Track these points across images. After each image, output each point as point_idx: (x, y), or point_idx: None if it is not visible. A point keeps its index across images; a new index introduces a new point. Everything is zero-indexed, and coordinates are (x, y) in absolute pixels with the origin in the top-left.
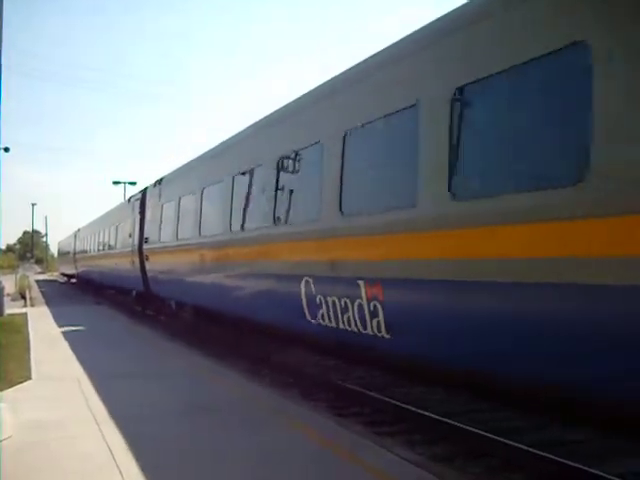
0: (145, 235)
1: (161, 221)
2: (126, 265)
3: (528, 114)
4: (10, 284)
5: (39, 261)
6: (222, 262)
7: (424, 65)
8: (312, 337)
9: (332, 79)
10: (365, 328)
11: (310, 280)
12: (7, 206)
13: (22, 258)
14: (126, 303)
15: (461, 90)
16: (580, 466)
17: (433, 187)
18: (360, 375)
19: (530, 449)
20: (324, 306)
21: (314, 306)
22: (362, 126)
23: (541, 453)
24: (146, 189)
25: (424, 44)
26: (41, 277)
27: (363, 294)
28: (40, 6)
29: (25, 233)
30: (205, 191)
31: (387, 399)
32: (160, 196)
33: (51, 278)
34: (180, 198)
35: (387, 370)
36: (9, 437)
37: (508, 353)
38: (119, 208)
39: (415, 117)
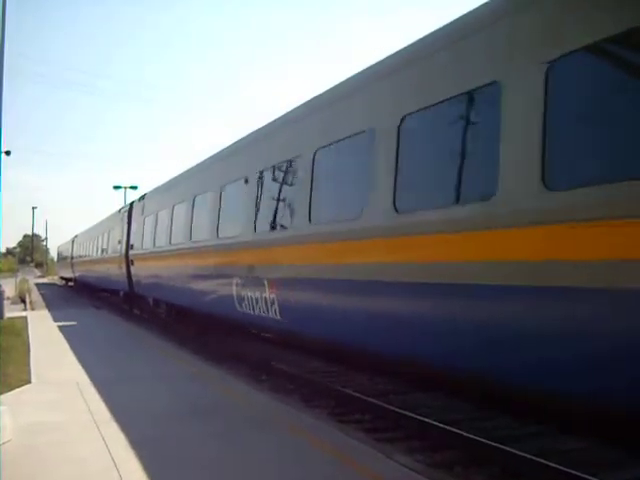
0: (130, 242)
1: (143, 231)
2: (115, 269)
3: (447, 143)
4: (10, 288)
5: (39, 265)
6: (183, 266)
7: (372, 98)
8: (239, 321)
9: (305, 103)
10: (268, 313)
11: (239, 280)
12: (7, 210)
13: (22, 262)
14: (124, 307)
15: (403, 119)
16: (580, 474)
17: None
18: (360, 382)
19: (533, 457)
20: (246, 299)
21: (240, 299)
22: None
23: (541, 461)
24: (133, 203)
25: (370, 81)
26: (41, 281)
27: (267, 289)
28: (33, 7)
29: (25, 237)
30: (175, 208)
31: (387, 406)
32: (143, 210)
33: (50, 282)
34: (157, 212)
35: (382, 374)
36: (9, 441)
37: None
38: (110, 218)
39: (364, 142)
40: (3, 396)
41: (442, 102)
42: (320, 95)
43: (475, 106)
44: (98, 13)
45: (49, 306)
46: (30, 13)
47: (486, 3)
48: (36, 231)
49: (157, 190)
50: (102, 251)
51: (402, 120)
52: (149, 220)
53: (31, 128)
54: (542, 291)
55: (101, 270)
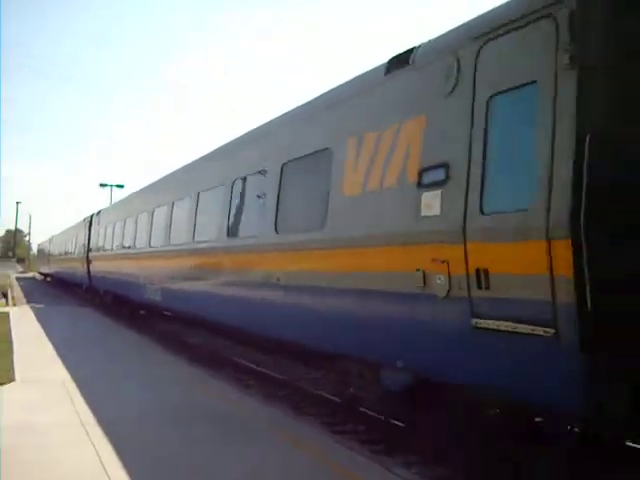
0: (90, 246)
1: (97, 238)
2: (79, 267)
3: (308, 184)
4: None
5: (21, 260)
6: (122, 265)
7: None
8: (146, 303)
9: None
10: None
11: (145, 274)
12: None
13: (3, 257)
14: (109, 306)
15: (284, 165)
16: None
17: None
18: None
19: None
20: (152, 289)
21: (144, 290)
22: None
23: None
24: (92, 215)
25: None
26: (22, 275)
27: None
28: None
29: (8, 232)
30: (118, 223)
31: (380, 416)
32: (99, 222)
33: (31, 277)
34: (106, 225)
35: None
36: None
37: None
38: (78, 225)
39: (265, 178)
40: None
41: (303, 157)
42: (234, 140)
43: (320, 161)
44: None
45: (31, 302)
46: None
47: (323, 95)
48: (20, 226)
49: (108, 208)
50: (71, 252)
51: (283, 165)
52: (102, 230)
53: (17, 121)
54: (353, 291)
55: (70, 267)
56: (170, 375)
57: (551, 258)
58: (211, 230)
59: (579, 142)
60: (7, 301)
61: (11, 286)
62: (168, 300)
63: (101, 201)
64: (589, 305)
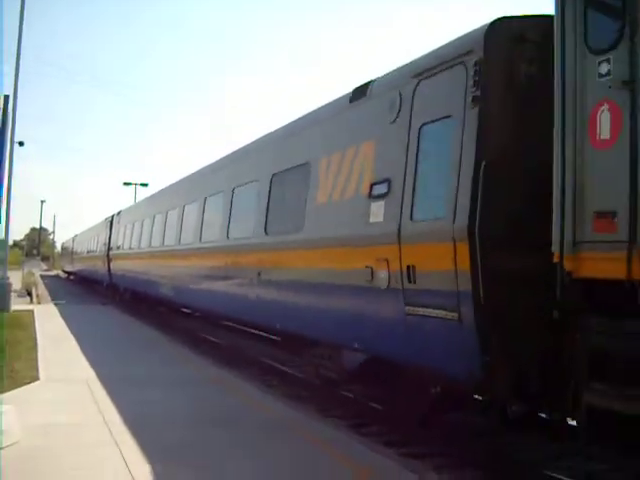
0: (111, 245)
1: (117, 237)
2: (101, 265)
3: (292, 192)
4: (16, 280)
5: (45, 258)
6: (137, 264)
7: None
8: (160, 299)
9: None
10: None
11: (159, 272)
12: (16, 202)
13: (28, 254)
14: (130, 304)
15: (273, 175)
16: None
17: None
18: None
19: None
20: (165, 285)
21: (159, 285)
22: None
23: None
24: (113, 215)
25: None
26: (46, 274)
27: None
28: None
29: (33, 230)
30: (136, 223)
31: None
32: (119, 221)
33: (56, 275)
34: (126, 225)
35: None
36: (15, 443)
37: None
38: (99, 224)
39: (257, 186)
40: (10, 394)
41: (289, 169)
42: (233, 153)
43: (302, 173)
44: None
45: (55, 300)
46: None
47: (305, 115)
48: (44, 225)
49: (128, 208)
50: (93, 250)
51: (272, 176)
52: (122, 229)
53: (49, 122)
54: (323, 285)
55: (92, 265)
56: (191, 375)
57: (455, 257)
58: (215, 232)
59: (477, 167)
60: (32, 299)
61: (35, 284)
62: (179, 295)
63: (126, 199)
64: (482, 294)
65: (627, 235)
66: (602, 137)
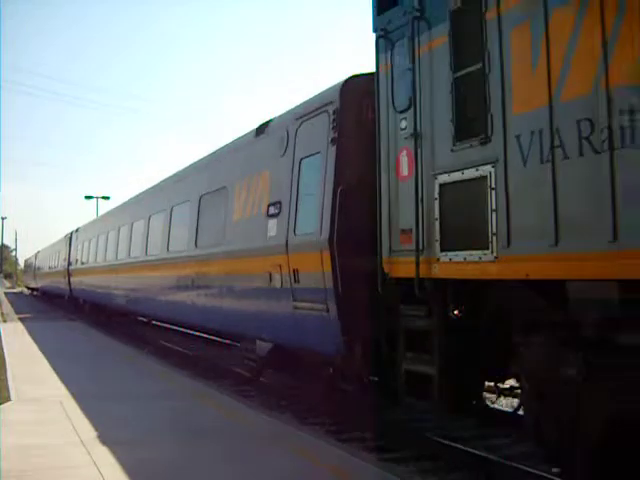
0: (70, 260)
1: (76, 252)
2: (61, 279)
3: (215, 211)
4: None
5: (8, 276)
6: (92, 278)
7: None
8: (111, 307)
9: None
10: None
11: (111, 284)
12: None
13: None
14: (98, 318)
15: (201, 196)
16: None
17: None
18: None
19: None
20: (117, 295)
21: (111, 296)
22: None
23: None
24: (72, 232)
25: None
26: (10, 291)
27: (115, 292)
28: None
29: None
30: (92, 239)
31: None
32: (77, 238)
33: (19, 292)
34: (83, 241)
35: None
36: None
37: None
38: (59, 241)
39: (189, 206)
40: None
41: (213, 191)
42: (173, 175)
43: (222, 195)
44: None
45: (21, 317)
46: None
47: (227, 144)
48: (6, 242)
49: (84, 226)
50: (54, 266)
51: (200, 197)
52: (79, 246)
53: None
54: (240, 288)
55: (54, 280)
56: (162, 388)
57: (322, 262)
58: (158, 246)
59: (334, 193)
60: None
61: (0, 302)
62: (130, 304)
63: (91, 212)
64: (340, 290)
65: (415, 246)
66: (403, 173)
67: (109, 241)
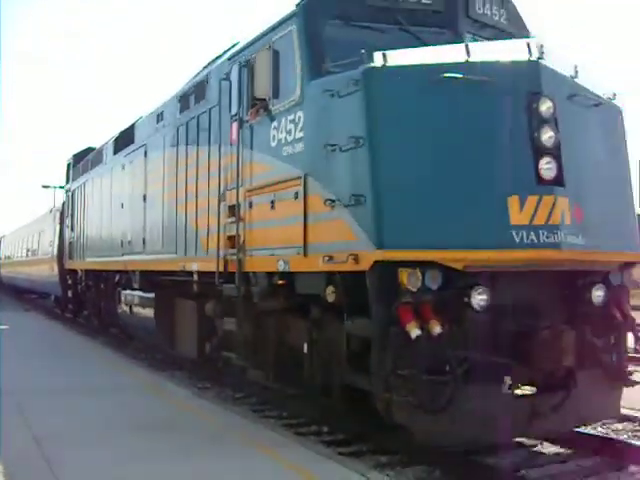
0: (0, 255)
1: (6, 248)
2: None
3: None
4: None
5: None
6: (12, 268)
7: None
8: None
9: None
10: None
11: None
12: None
13: None
14: (53, 311)
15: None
16: None
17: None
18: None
19: None
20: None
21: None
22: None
23: None
24: (2, 237)
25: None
26: None
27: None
28: None
29: None
30: (15, 242)
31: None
32: (5, 241)
33: None
34: (7, 244)
35: None
36: None
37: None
38: None
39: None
40: None
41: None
42: None
43: None
44: None
45: None
46: None
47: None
48: None
49: (10, 233)
50: None
51: None
52: (4, 247)
53: None
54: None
55: None
56: (124, 382)
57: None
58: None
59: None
60: None
61: None
62: (20, 283)
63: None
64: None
65: None
66: None
67: (21, 244)
